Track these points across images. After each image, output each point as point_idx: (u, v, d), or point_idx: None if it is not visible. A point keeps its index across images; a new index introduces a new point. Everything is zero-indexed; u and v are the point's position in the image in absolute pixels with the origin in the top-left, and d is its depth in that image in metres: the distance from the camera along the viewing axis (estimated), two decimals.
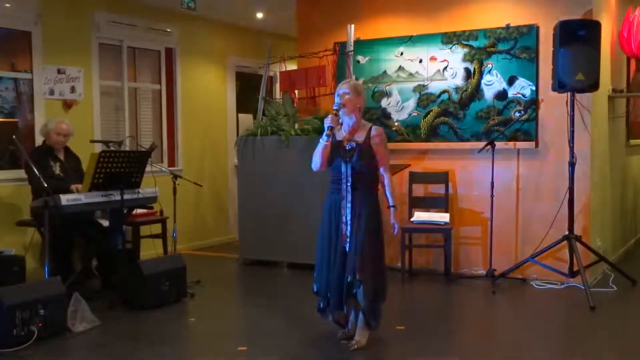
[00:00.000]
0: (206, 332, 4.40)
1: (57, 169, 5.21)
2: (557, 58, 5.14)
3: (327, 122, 3.77)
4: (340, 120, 3.88)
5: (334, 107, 3.82)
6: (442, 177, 5.98)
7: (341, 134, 3.92)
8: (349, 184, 3.83)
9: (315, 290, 4.03)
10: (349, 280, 3.82)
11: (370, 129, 3.88)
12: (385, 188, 3.94)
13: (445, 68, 5.99)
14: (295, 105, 6.55)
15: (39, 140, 5.61)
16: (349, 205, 3.83)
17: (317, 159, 3.85)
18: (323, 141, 3.79)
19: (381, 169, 3.89)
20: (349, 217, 3.83)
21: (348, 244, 3.84)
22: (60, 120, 5.34)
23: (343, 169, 3.85)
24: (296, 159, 6.15)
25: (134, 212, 5.86)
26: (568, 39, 5.07)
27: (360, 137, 3.86)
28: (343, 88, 3.88)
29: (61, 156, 5.32)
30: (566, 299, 5.17)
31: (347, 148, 3.84)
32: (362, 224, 3.81)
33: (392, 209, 3.91)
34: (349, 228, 3.83)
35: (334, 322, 4.08)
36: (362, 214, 3.82)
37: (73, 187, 4.97)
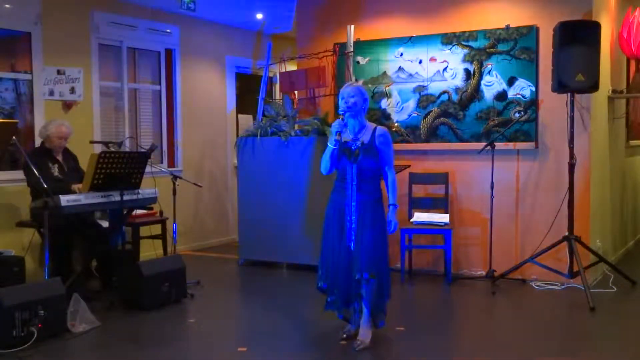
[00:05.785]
0: (206, 332, 4.40)
1: (55, 171, 5.19)
2: (556, 59, 5.15)
3: (335, 126, 3.86)
4: (345, 122, 3.95)
5: (340, 112, 3.92)
6: (442, 178, 5.98)
7: (347, 135, 3.99)
8: (354, 183, 3.92)
9: (322, 287, 4.07)
10: (357, 278, 3.87)
11: (375, 130, 3.96)
12: (389, 186, 3.99)
13: (445, 69, 5.99)
14: (294, 106, 6.56)
15: (38, 141, 5.60)
16: (354, 204, 3.91)
17: (327, 163, 3.95)
18: (332, 145, 3.88)
19: (385, 168, 3.97)
20: (354, 216, 3.91)
21: (353, 243, 3.90)
22: (60, 123, 5.29)
23: (349, 169, 3.94)
24: (296, 160, 6.16)
25: (134, 212, 5.85)
26: (568, 40, 5.08)
27: (365, 137, 3.94)
28: (348, 91, 3.95)
29: (59, 157, 5.31)
30: (566, 300, 5.17)
31: (353, 148, 3.93)
32: (367, 223, 3.89)
33: (391, 207, 3.96)
34: (354, 227, 3.90)
35: (343, 319, 4.13)
36: (367, 213, 3.90)
37: (74, 186, 4.95)
